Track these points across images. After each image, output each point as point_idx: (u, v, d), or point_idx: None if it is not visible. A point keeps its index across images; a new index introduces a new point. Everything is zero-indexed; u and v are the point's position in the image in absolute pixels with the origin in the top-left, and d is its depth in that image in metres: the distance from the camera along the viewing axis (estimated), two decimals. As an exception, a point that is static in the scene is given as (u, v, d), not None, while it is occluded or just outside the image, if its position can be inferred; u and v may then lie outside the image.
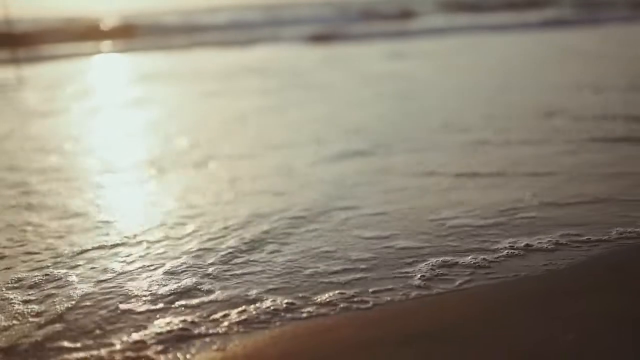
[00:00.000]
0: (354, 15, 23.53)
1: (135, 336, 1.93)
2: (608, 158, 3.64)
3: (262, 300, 2.11)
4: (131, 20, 23.11)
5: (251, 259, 2.48)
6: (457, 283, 2.15)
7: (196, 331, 1.95)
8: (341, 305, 2.04)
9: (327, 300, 2.10)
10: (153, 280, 2.33)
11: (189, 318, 2.02)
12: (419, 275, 2.23)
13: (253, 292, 2.18)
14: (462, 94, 6.55)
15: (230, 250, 2.58)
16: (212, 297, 2.17)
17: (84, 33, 19.23)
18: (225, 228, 2.84)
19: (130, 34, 19.39)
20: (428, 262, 2.34)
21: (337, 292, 2.14)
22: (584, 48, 10.62)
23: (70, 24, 21.72)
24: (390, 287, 2.16)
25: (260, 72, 9.53)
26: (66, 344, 1.91)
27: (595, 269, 2.20)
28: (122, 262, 2.52)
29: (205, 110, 6.61)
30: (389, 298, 2.07)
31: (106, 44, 17.12)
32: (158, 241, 2.72)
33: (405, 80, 7.73)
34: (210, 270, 2.39)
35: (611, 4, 21.12)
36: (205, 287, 2.25)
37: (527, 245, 2.44)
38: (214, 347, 1.84)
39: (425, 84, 7.50)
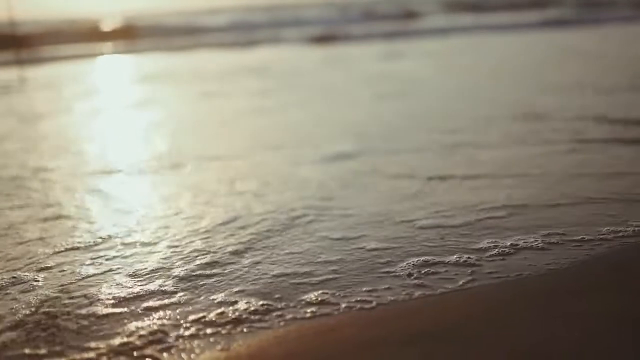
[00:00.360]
0: (355, 16, 23.54)
1: (95, 343, 1.87)
2: (599, 159, 3.63)
3: (234, 303, 2.08)
4: (133, 21, 23.14)
5: (227, 262, 2.44)
6: (460, 283, 2.15)
7: (165, 336, 1.90)
8: (343, 306, 2.03)
9: (307, 302, 2.08)
10: (119, 284, 2.28)
11: (156, 323, 1.97)
12: (405, 275, 2.23)
13: (226, 296, 2.14)
14: (459, 94, 6.53)
15: (203, 253, 2.54)
16: (182, 300, 2.13)
17: (86, 34, 19.26)
18: (203, 230, 2.81)
19: (132, 35, 19.42)
20: (409, 261, 2.33)
21: (316, 293, 2.13)
22: (583, 48, 10.62)
23: (73, 26, 21.74)
24: (374, 287, 2.15)
25: (260, 73, 9.54)
26: (27, 351, 1.85)
27: (596, 269, 2.21)
28: (91, 264, 2.48)
29: (203, 112, 6.62)
30: (392, 298, 2.07)
31: (108, 45, 17.14)
32: (131, 243, 2.69)
33: (405, 81, 7.72)
34: (178, 272, 2.36)
35: (613, 3, 21.12)
36: (173, 289, 2.21)
37: (512, 245, 2.43)
38: (207, 347, 1.83)
39: (424, 85, 7.49)
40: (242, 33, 19.34)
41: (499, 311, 1.93)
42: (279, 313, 2.02)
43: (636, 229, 2.50)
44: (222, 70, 10.31)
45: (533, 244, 2.43)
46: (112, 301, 2.15)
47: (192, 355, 1.80)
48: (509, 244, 2.44)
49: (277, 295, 2.14)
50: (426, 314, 1.96)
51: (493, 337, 1.75)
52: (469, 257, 2.34)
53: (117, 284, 2.29)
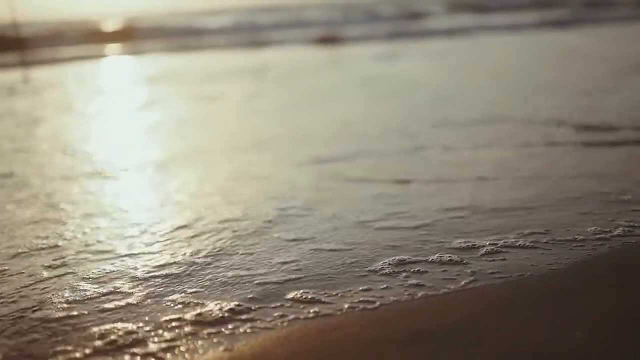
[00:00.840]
0: (358, 17, 23.52)
1: (51, 349, 1.83)
2: (583, 161, 3.66)
3: (204, 305, 2.07)
4: (135, 23, 23.17)
5: (191, 264, 2.43)
6: (462, 283, 2.16)
7: (123, 340, 1.87)
8: (346, 306, 2.04)
9: (284, 302, 2.09)
10: (74, 287, 2.26)
11: (115, 326, 1.95)
12: (387, 273, 2.25)
13: (187, 298, 2.14)
14: (454, 96, 6.50)
15: (168, 255, 2.54)
16: (139, 302, 2.11)
17: (88, 36, 19.29)
18: (167, 231, 2.82)
19: (134, 36, 19.44)
20: (385, 261, 2.35)
21: (296, 293, 2.14)
22: (582, 49, 10.60)
23: (75, 27, 21.77)
24: (366, 288, 2.16)
25: (261, 75, 9.55)
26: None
27: (596, 269, 2.22)
28: (49, 267, 2.47)
29: (200, 114, 6.60)
30: (394, 298, 2.08)
31: (111, 46, 17.16)
32: (93, 246, 2.68)
33: (401, 83, 7.69)
34: (136, 273, 2.36)
35: (613, 3, 21.11)
36: (130, 290, 2.20)
37: (491, 243, 2.45)
38: (221, 347, 1.84)
39: (420, 88, 7.38)
40: (244, 34, 19.33)
41: (500, 311, 1.95)
42: (255, 315, 2.01)
43: (626, 229, 2.51)
44: (223, 72, 10.31)
45: (515, 244, 2.44)
46: (65, 305, 2.11)
47: (221, 354, 1.80)
48: (487, 243, 2.46)
49: (250, 296, 2.13)
50: (428, 314, 1.97)
51: (495, 337, 1.76)
52: (450, 257, 2.35)
53: (72, 287, 2.26)
